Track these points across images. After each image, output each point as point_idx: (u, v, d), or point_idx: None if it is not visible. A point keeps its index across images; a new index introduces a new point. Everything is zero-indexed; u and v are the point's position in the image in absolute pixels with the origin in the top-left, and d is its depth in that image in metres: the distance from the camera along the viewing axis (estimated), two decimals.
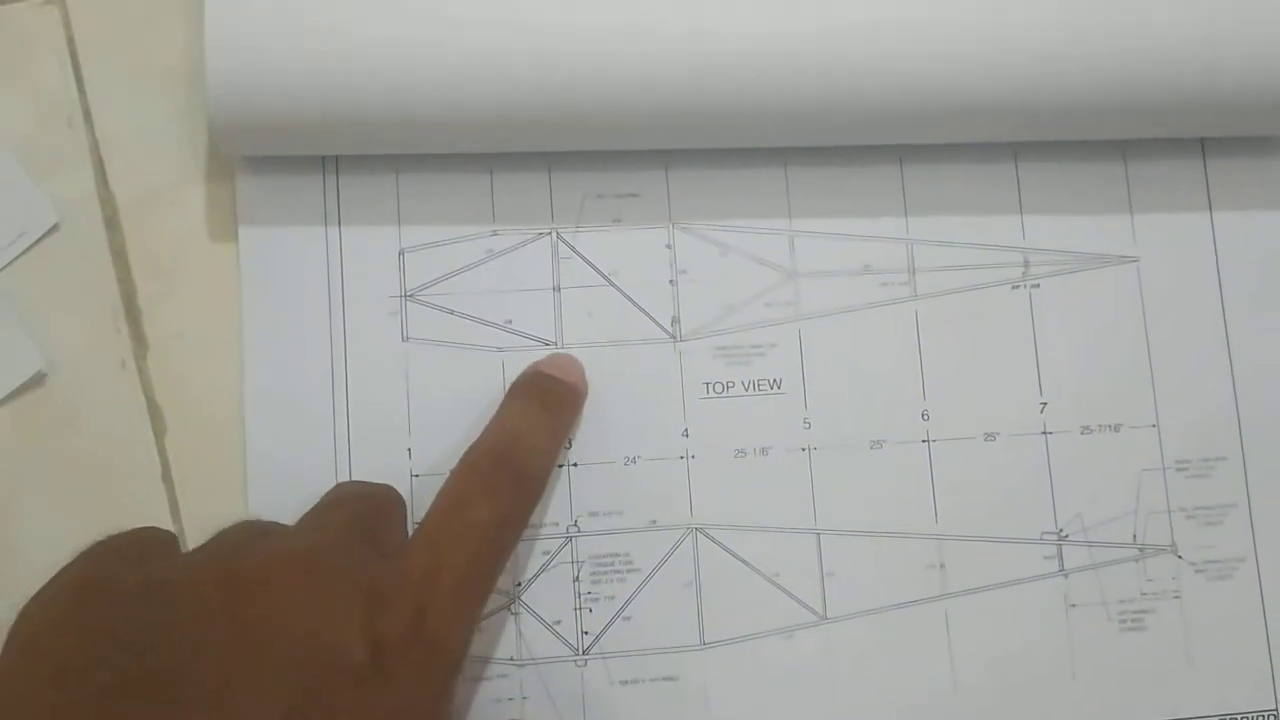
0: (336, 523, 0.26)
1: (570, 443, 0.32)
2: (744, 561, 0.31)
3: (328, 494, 0.28)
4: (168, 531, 0.27)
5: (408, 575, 0.24)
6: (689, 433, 0.32)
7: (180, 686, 0.22)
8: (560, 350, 0.32)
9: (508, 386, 0.31)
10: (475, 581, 0.25)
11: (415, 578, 0.24)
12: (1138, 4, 0.29)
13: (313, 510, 0.27)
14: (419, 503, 0.31)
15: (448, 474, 0.27)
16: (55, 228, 0.31)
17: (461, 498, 0.26)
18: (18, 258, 0.31)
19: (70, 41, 0.32)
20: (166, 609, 0.23)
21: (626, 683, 0.31)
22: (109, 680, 0.21)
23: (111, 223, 0.31)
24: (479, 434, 0.28)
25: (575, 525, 0.31)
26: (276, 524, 0.27)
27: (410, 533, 0.28)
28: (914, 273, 0.33)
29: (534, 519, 0.31)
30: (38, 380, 0.31)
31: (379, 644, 0.23)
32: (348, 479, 0.31)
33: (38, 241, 0.31)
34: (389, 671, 0.23)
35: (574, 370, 0.31)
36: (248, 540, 0.25)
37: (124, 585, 0.23)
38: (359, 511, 0.27)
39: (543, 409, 0.30)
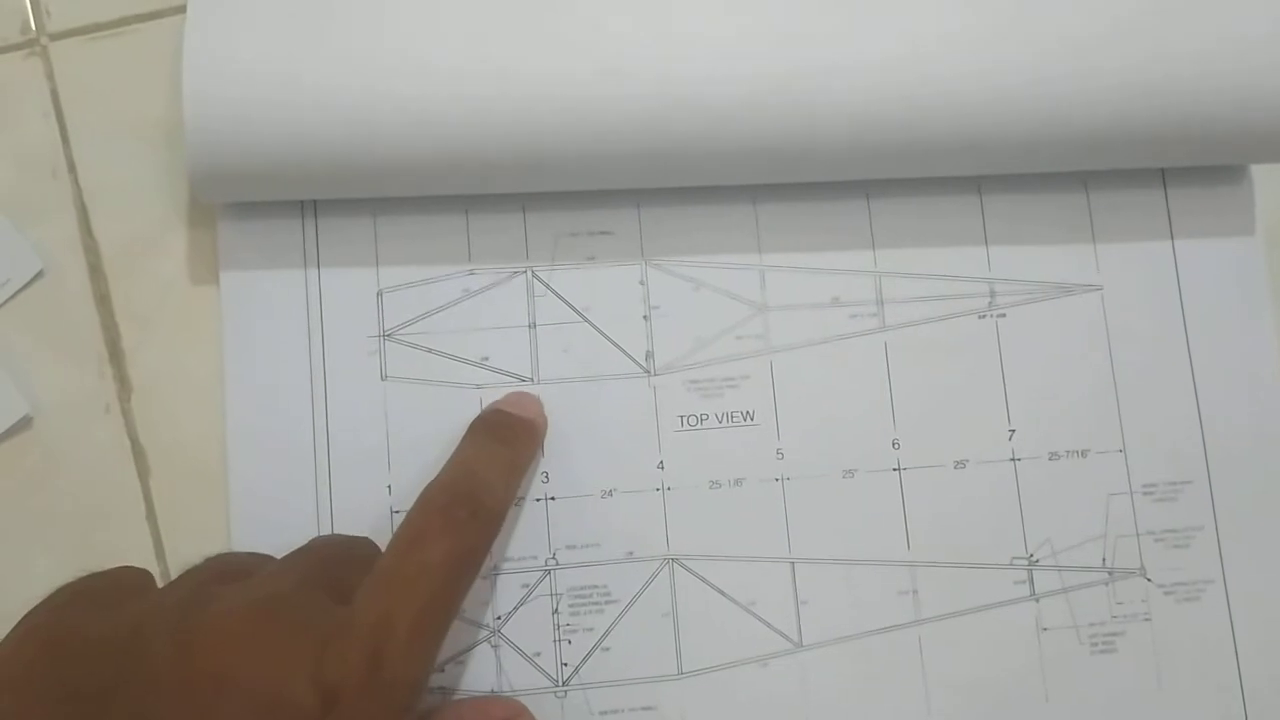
0: (300, 568, 0.26)
1: (547, 476, 0.32)
2: (720, 591, 0.32)
3: (307, 544, 0.28)
4: (143, 571, 0.27)
5: (361, 621, 0.24)
6: (664, 465, 0.32)
7: None
8: (522, 388, 0.32)
9: None
10: (431, 623, 0.25)
11: (369, 623, 0.24)
12: (1095, 42, 0.30)
13: (287, 555, 0.27)
14: None
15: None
16: (40, 275, 0.32)
17: (416, 538, 0.26)
18: (2, 305, 0.32)
19: (54, 93, 0.33)
20: (122, 665, 0.23)
21: (606, 713, 0.31)
22: None
23: (95, 269, 0.32)
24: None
25: (553, 558, 0.32)
26: (249, 558, 0.28)
27: None
28: (882, 304, 0.33)
29: (512, 552, 0.32)
30: (23, 425, 0.32)
31: (331, 691, 0.23)
32: (328, 515, 0.31)
33: (22, 289, 0.32)
34: (343, 717, 0.23)
35: (531, 406, 0.32)
36: (209, 586, 0.25)
37: (84, 637, 0.23)
38: (327, 557, 0.27)
39: (500, 444, 0.30)
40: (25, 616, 0.25)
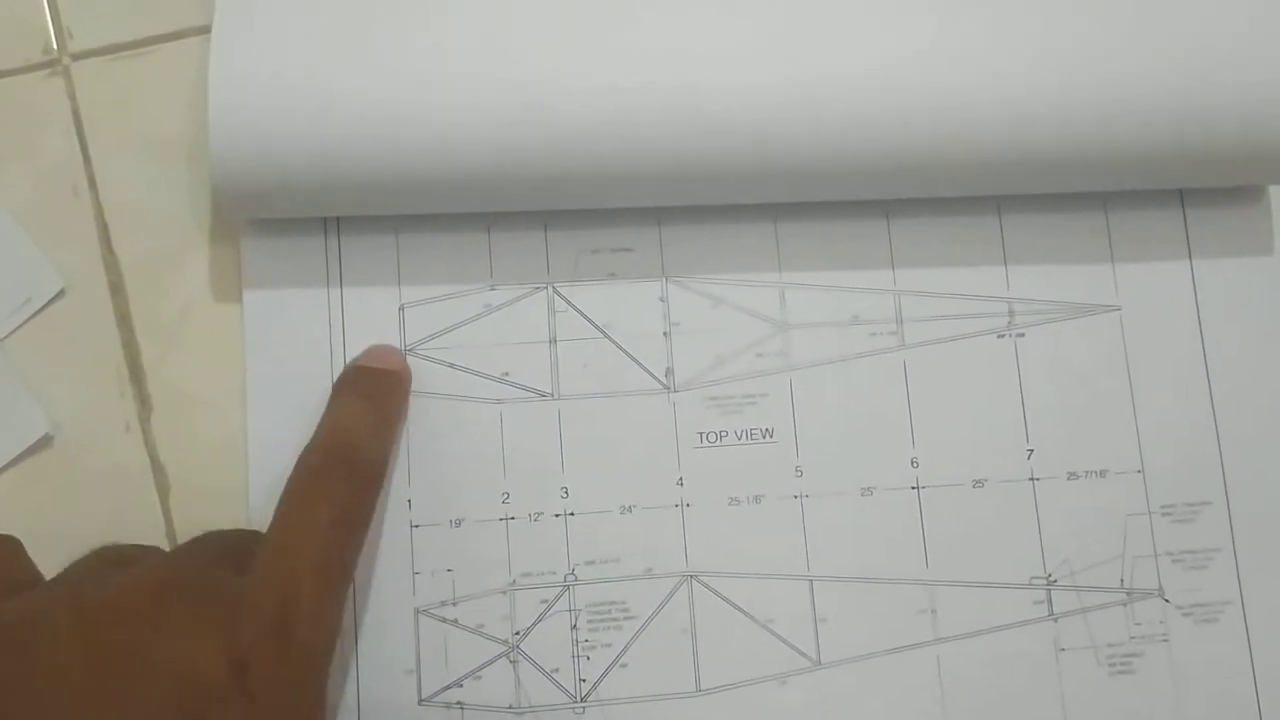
0: (197, 549, 0.26)
1: (566, 491, 0.32)
2: (738, 608, 0.32)
3: (198, 536, 0.28)
4: (8, 540, 0.27)
5: (262, 588, 0.24)
6: (683, 481, 0.32)
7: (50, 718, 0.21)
8: (379, 342, 0.32)
9: (505, 437, 0.32)
10: (331, 582, 0.25)
11: (270, 589, 0.24)
12: (1115, 63, 0.30)
13: (178, 545, 0.27)
14: (418, 550, 0.31)
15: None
16: (61, 293, 0.32)
17: (300, 502, 0.27)
18: (24, 323, 0.32)
19: (75, 112, 0.33)
20: (23, 653, 0.22)
21: None
22: None
23: (116, 288, 0.33)
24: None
25: (572, 574, 0.32)
26: (136, 548, 0.27)
27: None
28: (902, 323, 0.34)
29: (531, 567, 0.32)
30: (44, 443, 0.32)
31: (241, 661, 0.23)
32: None
33: (44, 307, 0.32)
34: (255, 686, 0.23)
35: (393, 359, 0.32)
36: (101, 570, 0.25)
37: None
38: (221, 543, 0.27)
39: (367, 400, 0.30)
40: None
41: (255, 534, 0.28)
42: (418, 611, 0.31)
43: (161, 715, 0.21)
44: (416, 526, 0.31)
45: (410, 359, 0.32)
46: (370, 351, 0.32)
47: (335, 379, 0.31)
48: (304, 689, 0.24)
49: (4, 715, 0.21)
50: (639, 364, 0.33)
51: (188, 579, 0.24)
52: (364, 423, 0.29)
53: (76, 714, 0.21)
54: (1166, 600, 0.32)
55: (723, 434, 0.32)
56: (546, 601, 0.31)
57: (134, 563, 0.26)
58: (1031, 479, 0.33)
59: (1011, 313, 0.33)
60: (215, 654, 0.22)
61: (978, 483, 0.33)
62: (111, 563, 0.25)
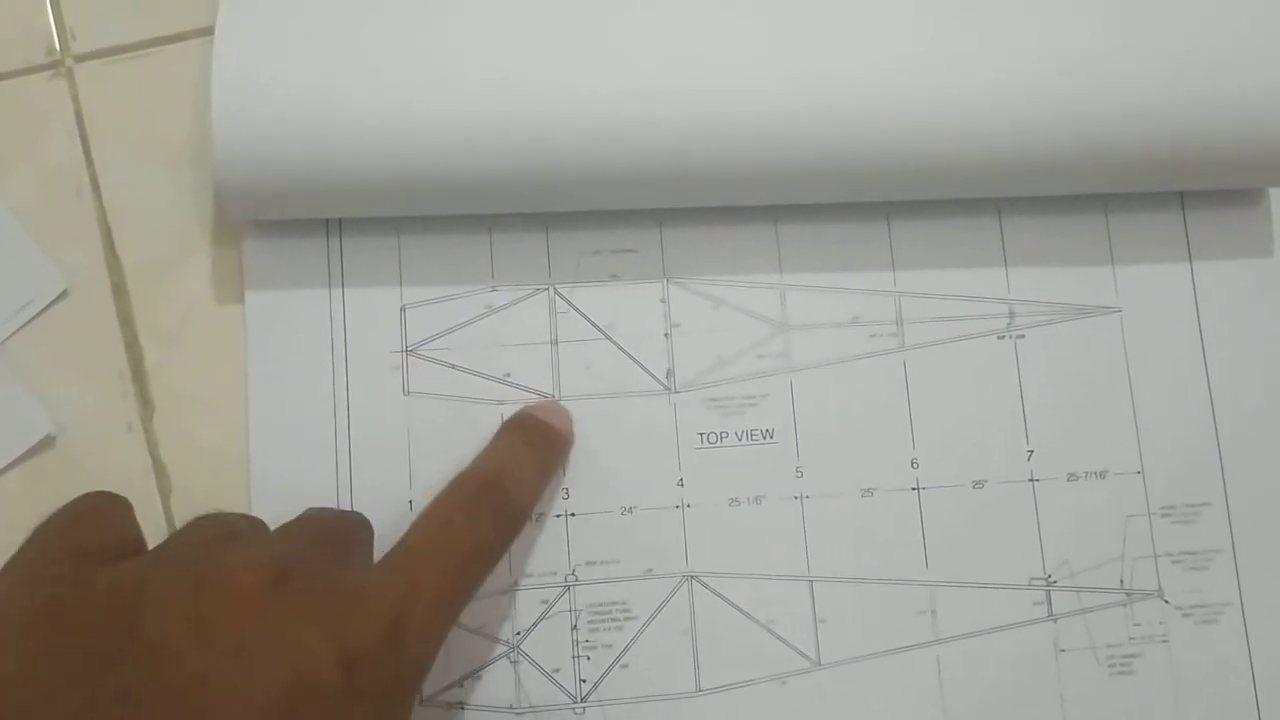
0: (306, 534, 0.26)
1: (567, 492, 0.32)
2: (738, 609, 0.32)
3: (300, 515, 0.28)
4: (120, 501, 0.26)
5: (385, 587, 0.24)
6: (684, 482, 0.33)
7: (154, 697, 0.21)
8: (553, 399, 0.33)
9: None
10: (453, 601, 0.25)
11: (394, 590, 0.24)
12: (1115, 66, 0.30)
13: (283, 524, 0.27)
14: None
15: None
16: (64, 294, 0.32)
17: (448, 520, 0.27)
18: (27, 324, 0.32)
19: (78, 114, 0.33)
20: (132, 626, 0.21)
21: None
22: (79, 699, 0.20)
23: (119, 289, 0.33)
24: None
25: (573, 574, 0.32)
26: (244, 519, 0.27)
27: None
28: (902, 324, 0.34)
29: (532, 568, 0.32)
30: (47, 443, 0.32)
31: (351, 662, 0.22)
32: None
33: (46, 308, 0.32)
34: (363, 686, 0.22)
35: (563, 417, 0.32)
36: (215, 542, 0.24)
37: (87, 593, 0.22)
38: (325, 528, 0.27)
39: (531, 448, 0.31)
40: (14, 565, 0.23)
41: (358, 518, 0.28)
42: None
43: (268, 708, 0.21)
44: None
45: (411, 359, 0.32)
46: (544, 404, 0.32)
47: (505, 419, 0.31)
48: (403, 700, 0.23)
49: (105, 684, 0.20)
50: (640, 365, 0.33)
51: (302, 567, 0.23)
52: (523, 468, 0.29)
53: (183, 696, 0.20)
54: (1166, 601, 0.32)
55: (723, 435, 0.32)
56: (547, 602, 0.31)
57: (242, 537, 0.25)
58: (1031, 480, 0.33)
59: (1011, 314, 0.33)
60: (328, 650, 0.22)
61: (978, 484, 0.33)
62: (220, 538, 0.24)
